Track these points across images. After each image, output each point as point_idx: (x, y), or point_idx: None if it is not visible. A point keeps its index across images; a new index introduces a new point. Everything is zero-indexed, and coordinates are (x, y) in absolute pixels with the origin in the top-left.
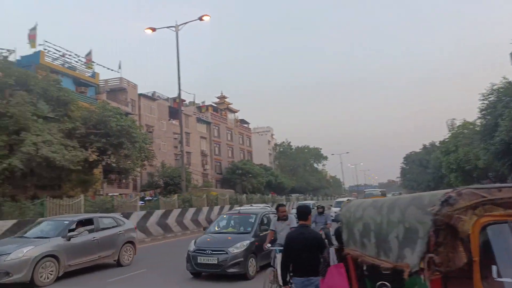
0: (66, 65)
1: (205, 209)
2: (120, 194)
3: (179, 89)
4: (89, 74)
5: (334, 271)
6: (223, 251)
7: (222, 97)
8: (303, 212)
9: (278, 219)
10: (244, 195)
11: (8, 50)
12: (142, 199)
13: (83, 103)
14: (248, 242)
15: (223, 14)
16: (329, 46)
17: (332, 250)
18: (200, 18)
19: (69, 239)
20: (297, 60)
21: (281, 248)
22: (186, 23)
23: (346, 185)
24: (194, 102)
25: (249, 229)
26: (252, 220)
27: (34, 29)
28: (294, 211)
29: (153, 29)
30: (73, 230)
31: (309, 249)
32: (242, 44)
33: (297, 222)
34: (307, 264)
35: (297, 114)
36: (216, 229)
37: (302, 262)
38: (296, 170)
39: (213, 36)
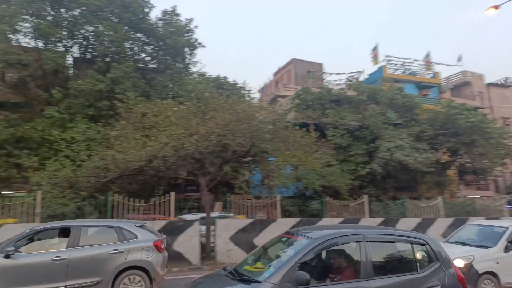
0: (407, 72)
1: None
2: (480, 197)
3: None
4: (430, 76)
5: None
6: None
7: None
8: None
9: None
10: None
11: (358, 72)
12: (509, 203)
13: (427, 105)
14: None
15: None
16: None
17: None
18: None
19: (7, 256)
20: None
21: None
22: None
23: None
24: None
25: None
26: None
27: (375, 48)
28: None
29: (496, 7)
30: (30, 242)
31: None
32: None
33: None
34: None
35: None
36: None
37: None
38: None
39: None
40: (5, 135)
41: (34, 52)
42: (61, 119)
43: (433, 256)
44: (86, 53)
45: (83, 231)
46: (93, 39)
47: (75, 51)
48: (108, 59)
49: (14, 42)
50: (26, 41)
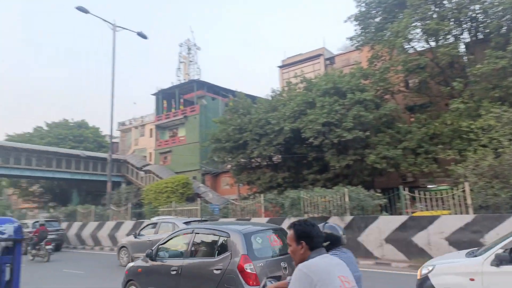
0: None
1: None
2: None
3: None
4: None
5: None
6: None
7: None
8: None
9: None
10: None
11: None
12: None
13: None
14: None
15: None
16: None
17: None
18: None
19: (135, 237)
20: None
21: None
22: None
23: None
24: None
25: None
26: None
27: None
28: None
29: None
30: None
31: None
32: None
33: None
34: None
35: None
36: None
37: None
38: None
39: None
40: (419, 135)
41: (427, 53)
42: (467, 109)
43: (228, 247)
44: (477, 34)
45: (160, 225)
46: (482, 17)
47: (465, 36)
48: (503, 30)
49: (410, 50)
50: (420, 46)
